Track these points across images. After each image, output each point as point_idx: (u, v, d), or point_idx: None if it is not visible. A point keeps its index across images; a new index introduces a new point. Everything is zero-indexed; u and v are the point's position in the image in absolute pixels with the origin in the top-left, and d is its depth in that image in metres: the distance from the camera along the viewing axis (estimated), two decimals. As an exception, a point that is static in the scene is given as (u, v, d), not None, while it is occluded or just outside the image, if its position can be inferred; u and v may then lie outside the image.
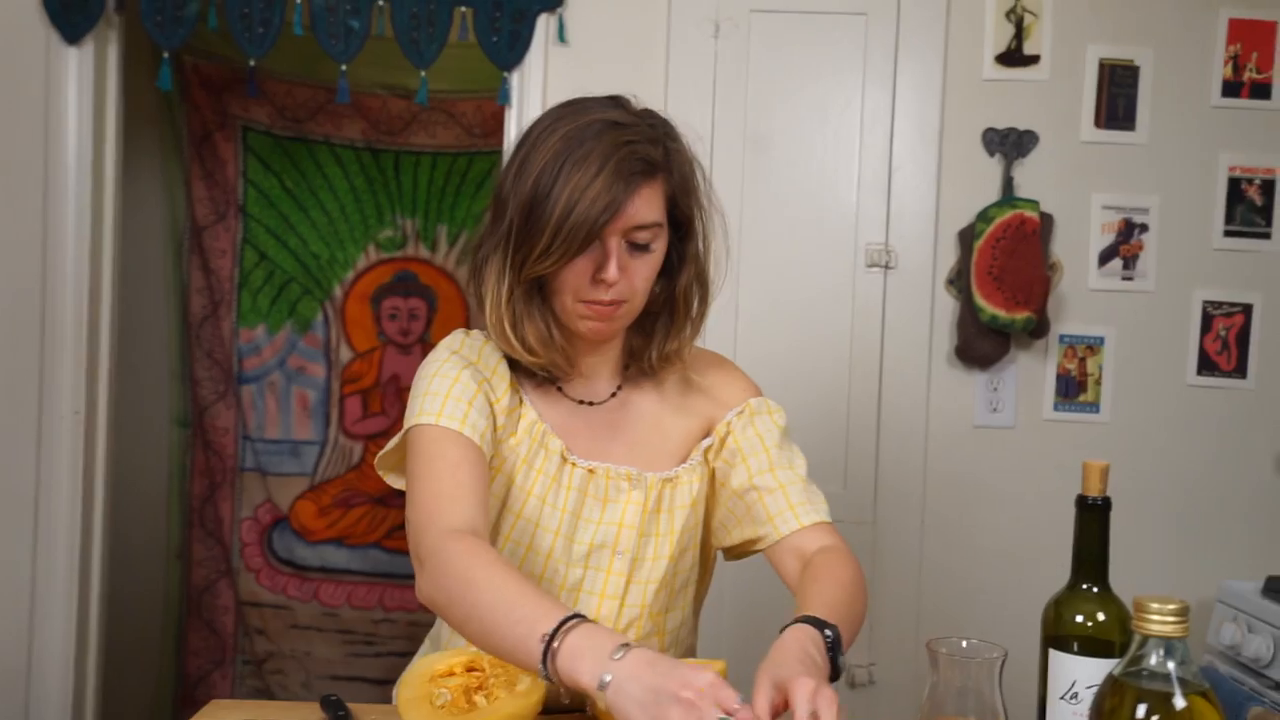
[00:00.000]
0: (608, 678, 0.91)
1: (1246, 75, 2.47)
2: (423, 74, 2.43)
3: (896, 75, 2.44)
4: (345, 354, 3.43)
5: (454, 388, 1.23)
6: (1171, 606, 0.82)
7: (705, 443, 1.33)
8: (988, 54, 2.45)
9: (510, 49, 2.41)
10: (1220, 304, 2.48)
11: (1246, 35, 2.46)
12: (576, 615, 0.98)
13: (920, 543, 2.49)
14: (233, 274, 3.38)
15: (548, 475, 1.28)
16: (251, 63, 2.44)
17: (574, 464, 1.28)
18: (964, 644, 1.05)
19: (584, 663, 0.93)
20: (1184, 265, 2.48)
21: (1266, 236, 2.49)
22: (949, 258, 2.47)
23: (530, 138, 1.22)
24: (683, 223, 1.27)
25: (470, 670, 1.18)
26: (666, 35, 2.45)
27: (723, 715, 0.88)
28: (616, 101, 1.24)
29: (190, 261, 3.37)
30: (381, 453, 1.29)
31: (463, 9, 2.39)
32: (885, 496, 2.48)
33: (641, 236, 1.20)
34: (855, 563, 1.27)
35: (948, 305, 2.47)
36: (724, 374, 1.38)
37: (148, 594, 3.33)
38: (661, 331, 1.30)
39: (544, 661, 0.96)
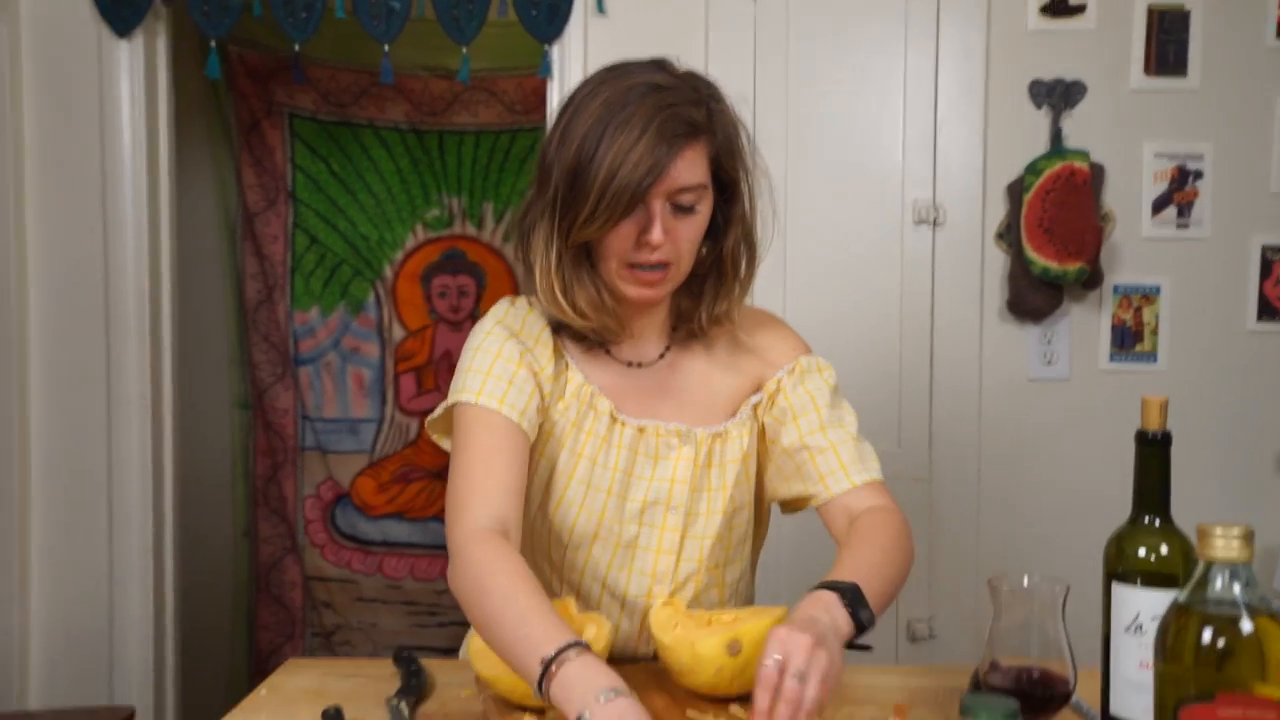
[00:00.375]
0: (586, 716, 0.93)
1: (1301, 14, 2.41)
2: (464, 51, 2.45)
3: (939, 30, 2.42)
4: (398, 333, 3.48)
5: (495, 364, 1.25)
6: (1236, 530, 0.83)
7: (754, 399, 1.34)
8: (1032, 5, 2.42)
9: (549, 22, 2.43)
10: None
11: (1300, -27, 2.40)
12: (577, 644, 1.00)
13: (977, 498, 2.48)
14: (285, 258, 3.44)
15: (597, 436, 1.29)
16: (296, 48, 2.47)
17: (623, 423, 1.29)
18: (1025, 580, 1.06)
19: (572, 695, 0.95)
20: (1241, 211, 2.44)
21: (1326, 177, 2.44)
22: (998, 212, 2.45)
23: (573, 104, 1.23)
24: (728, 184, 1.27)
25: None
26: (705, 1, 2.44)
27: None
28: (659, 64, 1.25)
29: (244, 248, 3.43)
30: (430, 418, 1.32)
31: (501, -17, 2.41)
32: (940, 453, 2.48)
33: (686, 199, 1.20)
34: (899, 522, 1.26)
35: (998, 259, 2.45)
36: (773, 333, 1.38)
37: (218, 572, 3.42)
38: (710, 293, 1.30)
39: (540, 685, 0.99)
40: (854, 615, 1.08)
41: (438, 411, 1.30)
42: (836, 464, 1.29)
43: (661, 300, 1.29)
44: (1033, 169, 2.38)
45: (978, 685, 1.08)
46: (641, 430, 1.29)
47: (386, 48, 2.46)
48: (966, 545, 2.49)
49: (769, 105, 2.45)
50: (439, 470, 3.46)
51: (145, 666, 2.54)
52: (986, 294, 2.46)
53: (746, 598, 1.43)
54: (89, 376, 2.50)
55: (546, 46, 2.45)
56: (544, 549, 1.34)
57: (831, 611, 1.06)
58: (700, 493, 1.31)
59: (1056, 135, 2.41)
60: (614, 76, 1.22)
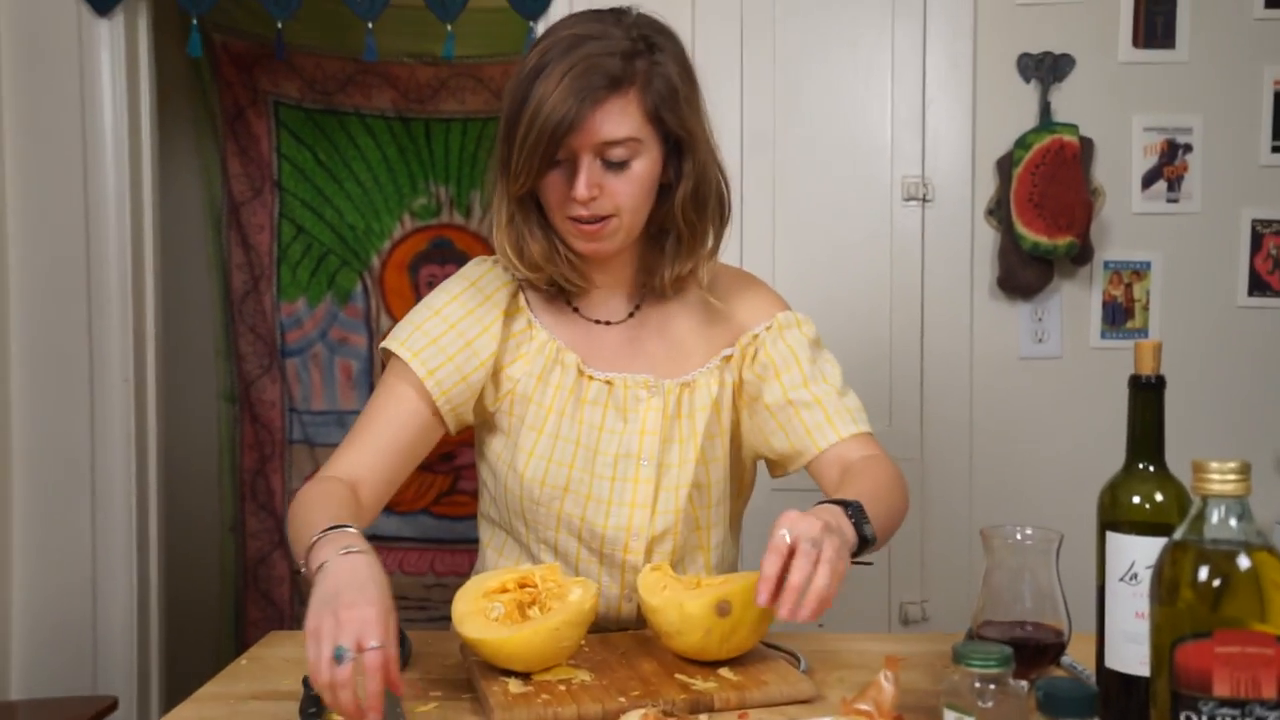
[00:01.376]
0: (328, 564, 1.00)
1: (1291, -16, 2.40)
2: (449, 28, 2.42)
3: (926, 5, 2.40)
4: (386, 323, 3.45)
5: (445, 335, 1.27)
6: (1232, 464, 0.81)
7: (726, 351, 1.33)
8: (1019, -22, 2.41)
9: (535, -2, 2.41)
10: (1270, 222, 2.43)
11: (1287, -56, 2.39)
12: (346, 526, 1.05)
13: (969, 478, 2.46)
14: (271, 249, 3.41)
15: (564, 389, 1.29)
16: (279, 25, 2.45)
17: (591, 377, 1.29)
18: (1018, 533, 1.04)
19: (323, 551, 1.02)
20: (1231, 184, 2.43)
21: (1315, 151, 2.43)
22: (987, 188, 2.43)
23: (525, 55, 1.23)
24: (675, 138, 1.24)
25: (523, 586, 1.18)
26: (691, -23, 2.43)
27: (349, 649, 0.92)
28: (616, 13, 1.24)
29: (229, 238, 3.40)
30: (383, 344, 1.33)
31: (486, -40, 2.39)
32: (932, 433, 2.46)
33: (615, 153, 1.19)
34: (893, 468, 1.28)
35: (988, 236, 2.44)
36: (749, 291, 1.37)
37: (205, 566, 3.39)
38: (670, 252, 1.29)
39: (307, 552, 1.05)
40: (858, 528, 1.08)
41: (389, 337, 1.33)
42: (823, 418, 1.29)
43: (613, 253, 1.28)
44: (1022, 143, 2.37)
45: (971, 639, 1.06)
46: (609, 383, 1.29)
47: (370, 25, 2.43)
48: (959, 526, 2.46)
49: (756, 83, 2.43)
50: (429, 462, 3.41)
51: (129, 658, 2.51)
52: (977, 271, 2.44)
53: (730, 563, 1.41)
54: (71, 364, 2.47)
55: (531, 24, 2.43)
56: (518, 509, 1.33)
57: (839, 519, 1.07)
58: (671, 443, 1.30)
59: (1045, 109, 2.40)
60: (560, 26, 1.22)
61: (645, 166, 1.21)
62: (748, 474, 1.42)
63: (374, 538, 3.34)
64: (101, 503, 2.48)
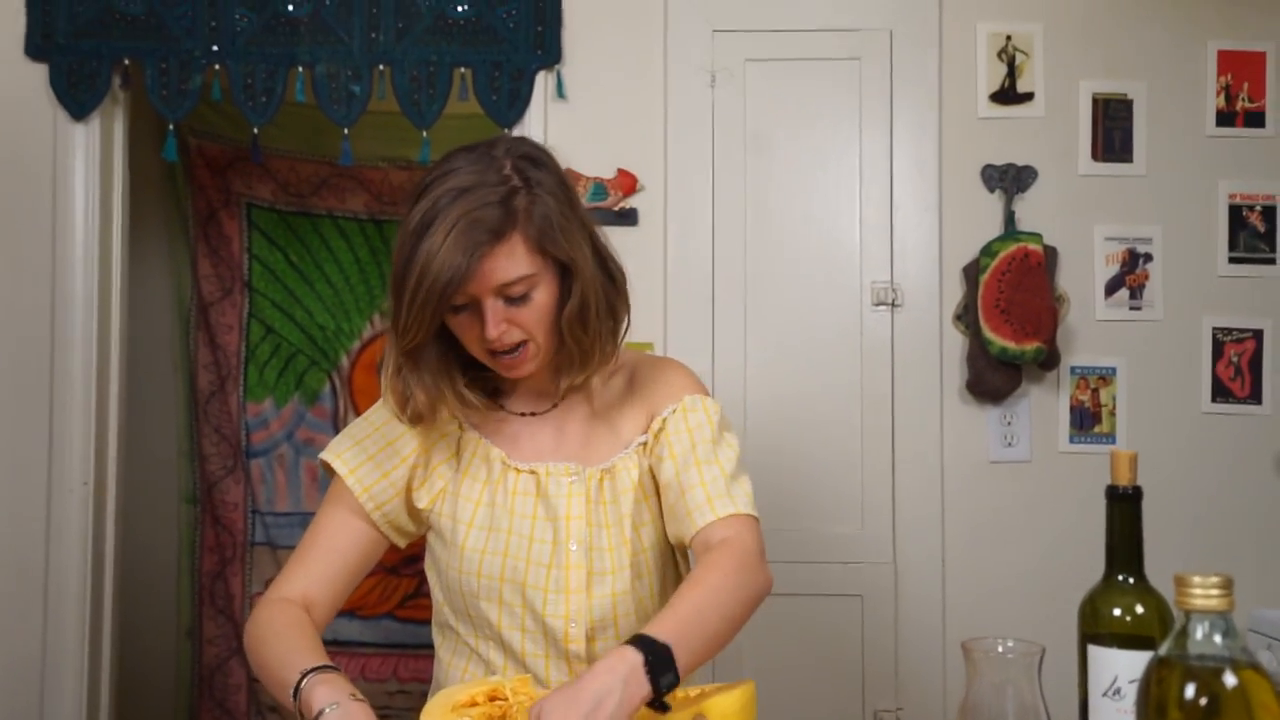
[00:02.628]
0: (341, 705, 1.09)
1: (1239, 105, 2.49)
2: (424, 134, 2.46)
3: (893, 117, 2.47)
4: (354, 423, 3.41)
5: (369, 437, 1.33)
6: (1215, 579, 0.80)
7: (641, 437, 1.35)
8: (982, 93, 2.48)
9: (510, 107, 2.45)
10: (1230, 330, 2.48)
11: (1236, 66, 2.49)
12: (333, 667, 1.15)
13: (942, 582, 2.45)
14: (239, 349, 3.39)
15: (492, 482, 1.32)
16: (255, 130, 2.47)
17: (516, 469, 1.32)
18: (1000, 645, 1.03)
19: (322, 690, 1.11)
20: (1191, 293, 2.48)
21: (1271, 262, 2.49)
22: (955, 293, 2.47)
23: (410, 204, 1.24)
24: (563, 261, 1.27)
25: (493, 699, 1.15)
26: (664, 87, 2.48)
27: None
28: (489, 149, 1.25)
29: (197, 338, 3.38)
30: (321, 455, 1.36)
31: (462, 70, 2.43)
32: (904, 536, 2.44)
33: (514, 290, 1.22)
34: (738, 552, 1.22)
35: (956, 341, 2.47)
36: (665, 376, 1.39)
37: (159, 672, 3.27)
38: (564, 365, 1.31)
39: (295, 690, 1.12)
40: (655, 682, 1.06)
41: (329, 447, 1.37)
42: (704, 498, 1.26)
43: (535, 370, 1.31)
44: (987, 251, 2.41)
45: (953, 757, 1.03)
46: (534, 473, 1.32)
47: (346, 131, 2.46)
48: (934, 630, 2.44)
49: (727, 188, 2.47)
50: (392, 566, 3.36)
51: (76, 772, 2.40)
52: (946, 375, 2.46)
53: None
54: (30, 467, 2.42)
55: (507, 132, 2.47)
56: (462, 608, 1.33)
57: (630, 681, 1.05)
58: (600, 529, 1.31)
59: (1009, 218, 2.45)
60: (436, 178, 1.22)
61: (545, 294, 1.25)
62: (688, 559, 1.41)
63: (335, 643, 3.25)
64: (54, 607, 2.40)
